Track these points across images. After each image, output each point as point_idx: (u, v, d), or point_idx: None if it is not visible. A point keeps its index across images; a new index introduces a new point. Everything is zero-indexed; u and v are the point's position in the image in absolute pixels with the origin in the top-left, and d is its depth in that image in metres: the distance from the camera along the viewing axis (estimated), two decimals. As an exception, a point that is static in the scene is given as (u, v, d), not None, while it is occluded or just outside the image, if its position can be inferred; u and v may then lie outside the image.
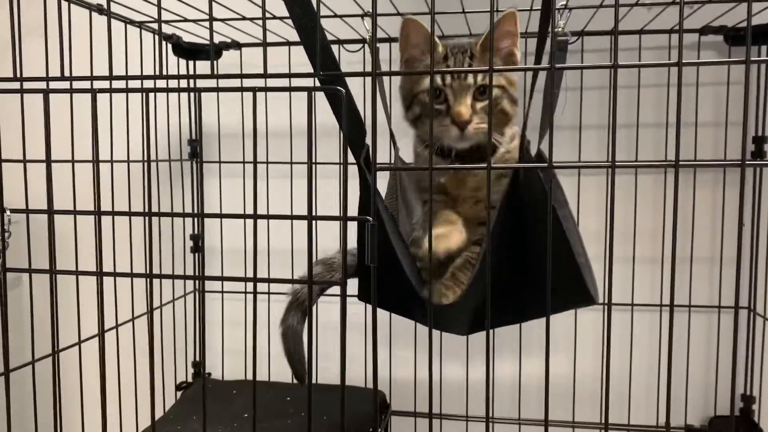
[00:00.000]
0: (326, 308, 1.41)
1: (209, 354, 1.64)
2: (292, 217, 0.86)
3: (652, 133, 1.42)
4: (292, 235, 1.49)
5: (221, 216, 1.55)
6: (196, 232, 1.59)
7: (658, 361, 1.44)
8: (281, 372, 1.50)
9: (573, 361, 1.47)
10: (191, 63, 1.53)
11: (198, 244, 1.60)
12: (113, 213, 0.83)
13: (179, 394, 1.56)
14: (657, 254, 1.43)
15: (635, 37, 1.35)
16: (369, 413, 1.42)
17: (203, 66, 1.54)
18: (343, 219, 0.68)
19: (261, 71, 0.70)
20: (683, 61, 0.64)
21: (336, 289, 0.88)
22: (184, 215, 0.71)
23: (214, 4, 0.76)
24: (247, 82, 0.78)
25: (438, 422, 1.54)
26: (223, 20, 1.29)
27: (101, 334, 1.29)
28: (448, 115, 0.93)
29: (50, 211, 0.82)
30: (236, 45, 1.50)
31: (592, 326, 1.47)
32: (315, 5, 0.69)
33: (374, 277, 0.69)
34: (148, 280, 0.73)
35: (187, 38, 1.48)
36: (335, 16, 1.23)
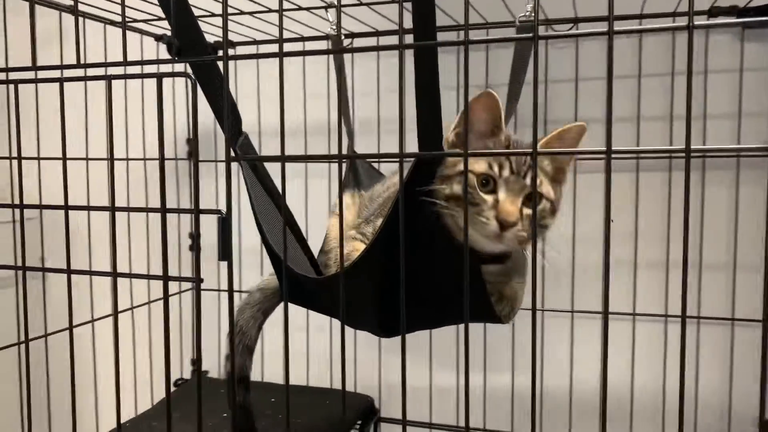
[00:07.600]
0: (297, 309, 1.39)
1: (208, 352, 1.65)
2: (144, 209, 0.84)
3: (660, 126, 1.30)
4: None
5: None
6: (193, 230, 1.60)
7: (663, 376, 1.31)
8: (275, 372, 1.51)
9: (570, 374, 1.37)
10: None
11: (197, 242, 1.61)
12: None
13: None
14: (662, 259, 1.31)
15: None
16: (351, 419, 1.39)
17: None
18: (196, 212, 0.65)
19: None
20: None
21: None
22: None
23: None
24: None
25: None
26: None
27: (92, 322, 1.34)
28: (493, 209, 0.77)
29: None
30: (232, 44, 1.50)
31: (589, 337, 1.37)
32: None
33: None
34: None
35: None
36: (300, 9, 1.21)
